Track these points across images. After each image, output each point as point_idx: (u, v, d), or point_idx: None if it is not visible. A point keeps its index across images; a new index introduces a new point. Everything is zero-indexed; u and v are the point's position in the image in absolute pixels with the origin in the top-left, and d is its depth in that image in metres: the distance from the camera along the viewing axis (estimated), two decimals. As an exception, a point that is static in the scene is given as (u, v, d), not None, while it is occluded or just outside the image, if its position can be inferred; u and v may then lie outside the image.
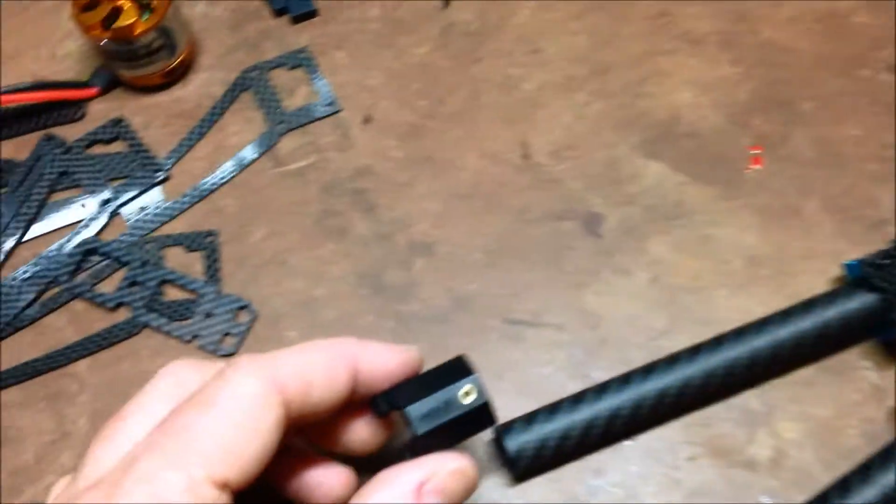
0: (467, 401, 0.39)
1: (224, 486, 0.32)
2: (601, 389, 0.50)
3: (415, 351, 0.42)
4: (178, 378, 0.37)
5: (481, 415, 0.40)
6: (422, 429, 0.38)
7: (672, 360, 0.50)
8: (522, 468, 0.49)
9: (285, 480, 0.40)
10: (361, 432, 0.42)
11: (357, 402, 0.40)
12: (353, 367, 0.38)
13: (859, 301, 0.51)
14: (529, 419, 0.49)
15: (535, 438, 0.48)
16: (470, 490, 0.38)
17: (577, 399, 0.50)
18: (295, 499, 0.41)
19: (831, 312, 0.51)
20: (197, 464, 0.31)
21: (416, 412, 0.39)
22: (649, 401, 0.49)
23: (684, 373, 0.50)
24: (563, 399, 0.50)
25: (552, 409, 0.49)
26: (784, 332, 0.50)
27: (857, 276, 0.52)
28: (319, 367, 0.37)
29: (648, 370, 0.50)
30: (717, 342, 0.51)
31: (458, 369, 0.41)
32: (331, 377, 0.37)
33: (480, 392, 0.39)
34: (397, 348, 0.41)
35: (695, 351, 0.51)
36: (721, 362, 0.50)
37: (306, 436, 0.42)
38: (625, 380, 0.50)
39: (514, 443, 0.48)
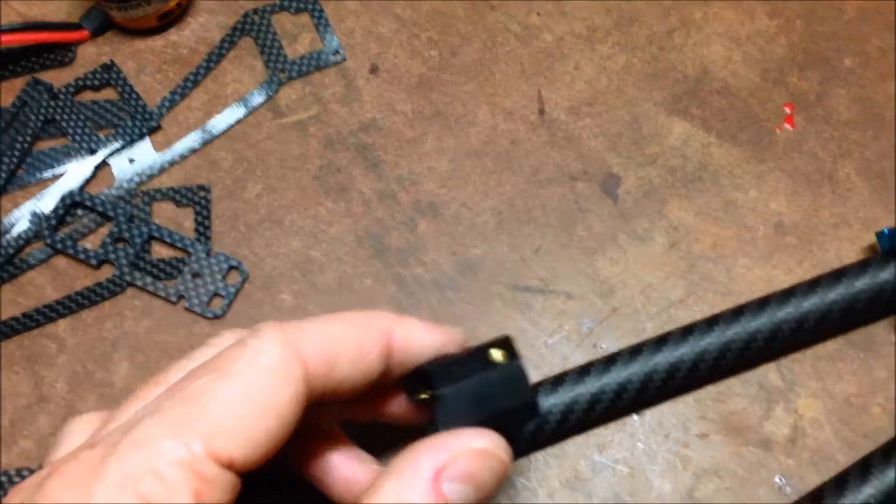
0: (499, 358, 0.38)
1: (228, 464, 0.31)
2: (609, 361, 0.51)
3: (458, 333, 0.41)
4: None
5: (514, 379, 0.38)
6: (446, 388, 0.37)
7: (687, 331, 0.51)
8: (522, 444, 0.50)
9: (305, 463, 0.39)
10: (396, 410, 0.41)
11: (392, 380, 0.39)
12: (387, 343, 0.37)
13: (892, 273, 0.52)
14: (556, 382, 0.50)
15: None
16: (500, 475, 0.36)
17: (583, 371, 0.51)
18: (314, 485, 0.40)
19: (861, 284, 0.52)
20: (200, 436, 0.31)
21: (442, 372, 0.37)
22: (660, 374, 0.50)
23: (699, 344, 0.51)
24: (567, 371, 0.51)
25: (556, 382, 0.51)
26: (809, 304, 0.51)
27: (891, 247, 0.53)
28: (349, 340, 0.36)
29: (661, 341, 0.51)
30: (737, 312, 0.52)
31: (497, 341, 0.39)
32: (360, 353, 0.36)
33: (514, 353, 0.38)
34: (439, 328, 0.40)
35: (712, 321, 0.52)
36: (740, 334, 0.51)
37: (333, 409, 0.41)
38: (635, 351, 0.51)
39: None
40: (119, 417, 0.34)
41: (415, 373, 0.39)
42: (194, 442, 0.30)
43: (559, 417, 0.49)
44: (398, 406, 0.41)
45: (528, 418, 0.39)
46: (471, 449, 0.35)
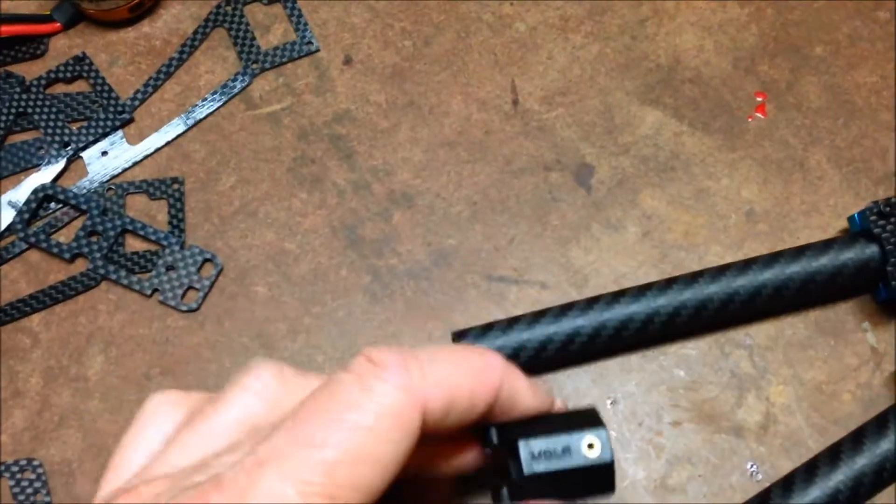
0: (590, 454, 0.36)
1: None
2: (563, 309, 0.52)
3: (554, 398, 0.39)
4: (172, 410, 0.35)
5: (601, 474, 0.36)
6: (531, 469, 0.35)
7: (643, 289, 0.52)
8: None
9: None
10: (458, 457, 0.39)
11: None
12: (496, 392, 0.35)
13: (856, 252, 0.52)
14: (484, 330, 0.51)
15: (506, 346, 0.51)
16: None
17: (537, 316, 0.51)
18: None
19: (824, 260, 0.52)
20: (321, 492, 0.30)
21: (528, 450, 0.35)
22: (612, 325, 0.51)
23: (653, 303, 0.51)
24: (522, 315, 0.52)
25: (509, 323, 0.51)
26: (769, 274, 0.52)
27: (860, 229, 0.53)
28: (467, 386, 0.34)
29: (616, 296, 0.52)
30: (695, 276, 0.52)
31: (586, 418, 0.37)
32: (474, 401, 0.34)
33: (606, 448, 0.36)
34: (542, 387, 0.38)
35: (669, 282, 0.52)
36: (695, 295, 0.51)
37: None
38: (589, 303, 0.52)
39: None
40: (216, 418, 0.34)
41: (496, 425, 0.37)
42: (317, 497, 0.30)
43: (510, 354, 0.50)
44: (457, 456, 0.39)
45: (607, 488, 0.37)
46: None
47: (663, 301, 0.51)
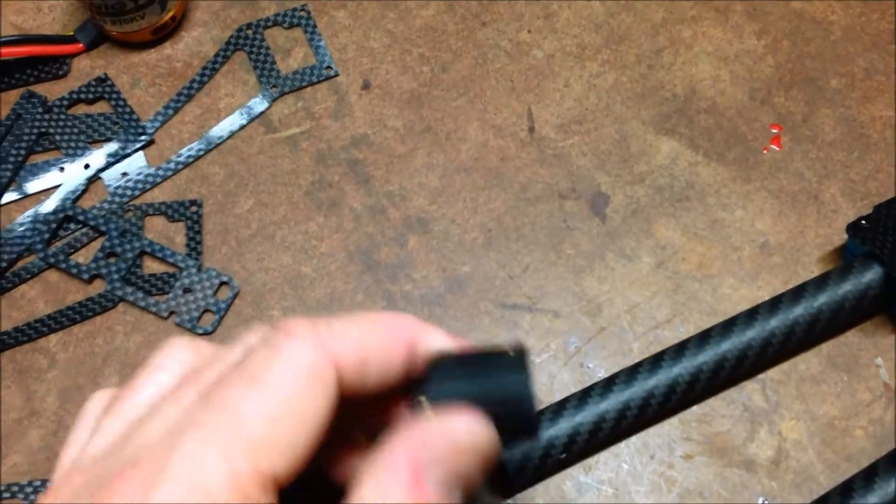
0: (504, 349, 0.35)
1: (272, 481, 0.30)
2: (608, 384, 0.51)
3: (471, 343, 0.38)
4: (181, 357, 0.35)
5: (517, 371, 0.34)
6: (438, 367, 0.35)
7: (680, 349, 0.52)
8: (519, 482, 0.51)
9: (329, 466, 0.37)
10: (393, 419, 0.38)
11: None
12: (411, 350, 0.35)
13: (857, 275, 0.53)
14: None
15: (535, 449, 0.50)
16: (487, 458, 0.33)
17: (584, 396, 0.51)
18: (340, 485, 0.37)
19: (842, 288, 0.52)
20: (244, 453, 0.29)
21: (443, 363, 0.35)
22: (659, 392, 0.50)
23: (694, 362, 0.51)
24: (568, 397, 0.51)
25: (557, 410, 0.51)
26: (797, 311, 0.52)
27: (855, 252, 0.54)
28: (378, 342, 0.34)
29: (656, 360, 0.52)
30: (728, 326, 0.52)
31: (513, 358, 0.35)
32: (388, 356, 0.34)
33: (522, 354, 0.35)
34: (456, 338, 0.37)
35: (704, 337, 0.52)
36: (733, 346, 0.51)
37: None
38: (632, 372, 0.51)
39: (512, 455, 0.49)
40: (132, 399, 0.33)
41: (423, 377, 0.36)
42: (240, 460, 0.29)
43: (566, 441, 0.49)
44: (400, 414, 0.38)
45: (524, 431, 0.35)
46: (453, 439, 0.32)
47: (678, 370, 0.51)
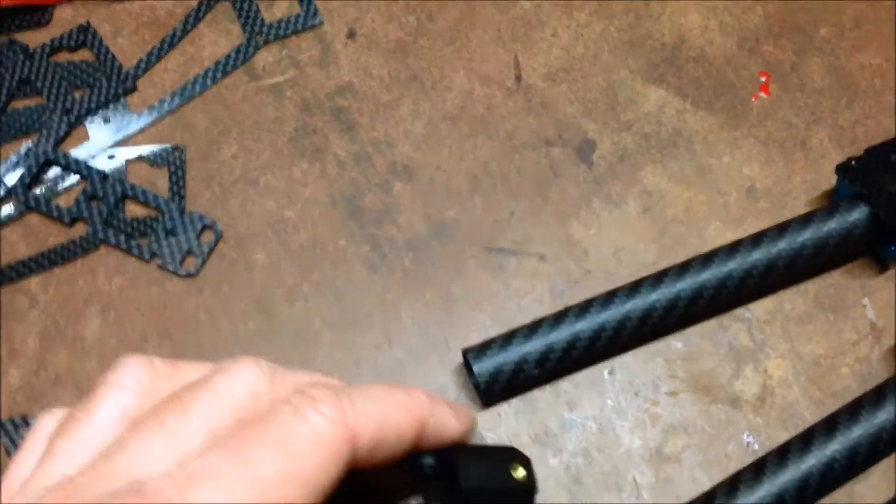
0: (518, 475, 0.39)
1: None
2: (584, 307, 0.52)
3: (474, 416, 0.41)
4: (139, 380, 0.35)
5: (526, 497, 0.39)
6: (469, 485, 0.37)
7: (660, 276, 0.52)
8: (491, 391, 0.51)
9: None
10: (386, 483, 0.41)
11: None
12: (421, 430, 0.37)
13: (842, 215, 0.53)
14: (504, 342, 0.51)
15: (508, 360, 0.50)
16: None
17: (558, 319, 0.51)
18: None
19: (831, 224, 0.53)
20: (252, 502, 0.30)
21: (467, 469, 0.38)
22: (635, 316, 0.51)
23: (673, 289, 0.51)
24: (544, 317, 0.52)
25: (531, 330, 0.51)
26: (758, 254, 0.52)
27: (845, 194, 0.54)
28: (395, 424, 0.35)
29: (635, 286, 0.52)
30: (709, 257, 0.53)
31: (510, 451, 0.40)
32: (400, 437, 0.36)
33: (531, 474, 0.39)
34: (463, 412, 0.40)
35: (685, 266, 0.52)
36: (713, 276, 0.52)
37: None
38: (609, 297, 0.52)
39: (483, 367, 0.50)
40: (90, 423, 0.33)
41: (427, 454, 0.39)
42: None
43: (538, 358, 0.50)
44: (386, 482, 0.41)
45: None
46: None
47: (656, 296, 0.51)
